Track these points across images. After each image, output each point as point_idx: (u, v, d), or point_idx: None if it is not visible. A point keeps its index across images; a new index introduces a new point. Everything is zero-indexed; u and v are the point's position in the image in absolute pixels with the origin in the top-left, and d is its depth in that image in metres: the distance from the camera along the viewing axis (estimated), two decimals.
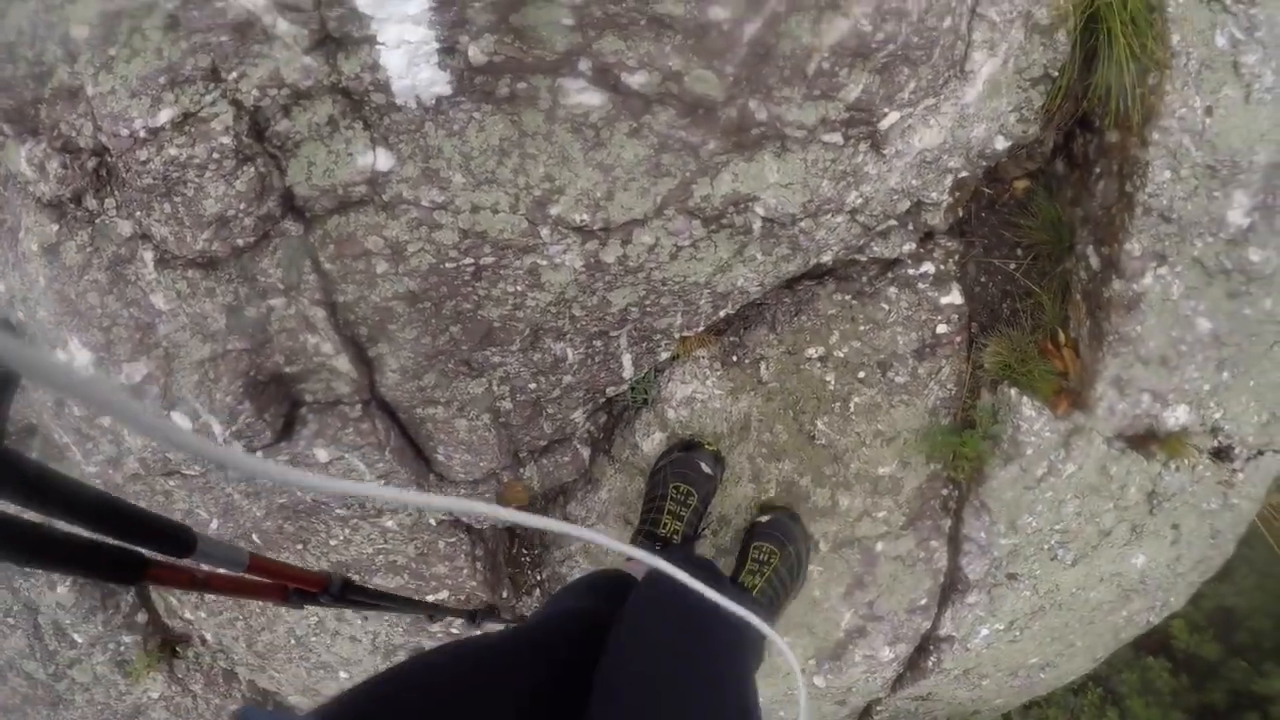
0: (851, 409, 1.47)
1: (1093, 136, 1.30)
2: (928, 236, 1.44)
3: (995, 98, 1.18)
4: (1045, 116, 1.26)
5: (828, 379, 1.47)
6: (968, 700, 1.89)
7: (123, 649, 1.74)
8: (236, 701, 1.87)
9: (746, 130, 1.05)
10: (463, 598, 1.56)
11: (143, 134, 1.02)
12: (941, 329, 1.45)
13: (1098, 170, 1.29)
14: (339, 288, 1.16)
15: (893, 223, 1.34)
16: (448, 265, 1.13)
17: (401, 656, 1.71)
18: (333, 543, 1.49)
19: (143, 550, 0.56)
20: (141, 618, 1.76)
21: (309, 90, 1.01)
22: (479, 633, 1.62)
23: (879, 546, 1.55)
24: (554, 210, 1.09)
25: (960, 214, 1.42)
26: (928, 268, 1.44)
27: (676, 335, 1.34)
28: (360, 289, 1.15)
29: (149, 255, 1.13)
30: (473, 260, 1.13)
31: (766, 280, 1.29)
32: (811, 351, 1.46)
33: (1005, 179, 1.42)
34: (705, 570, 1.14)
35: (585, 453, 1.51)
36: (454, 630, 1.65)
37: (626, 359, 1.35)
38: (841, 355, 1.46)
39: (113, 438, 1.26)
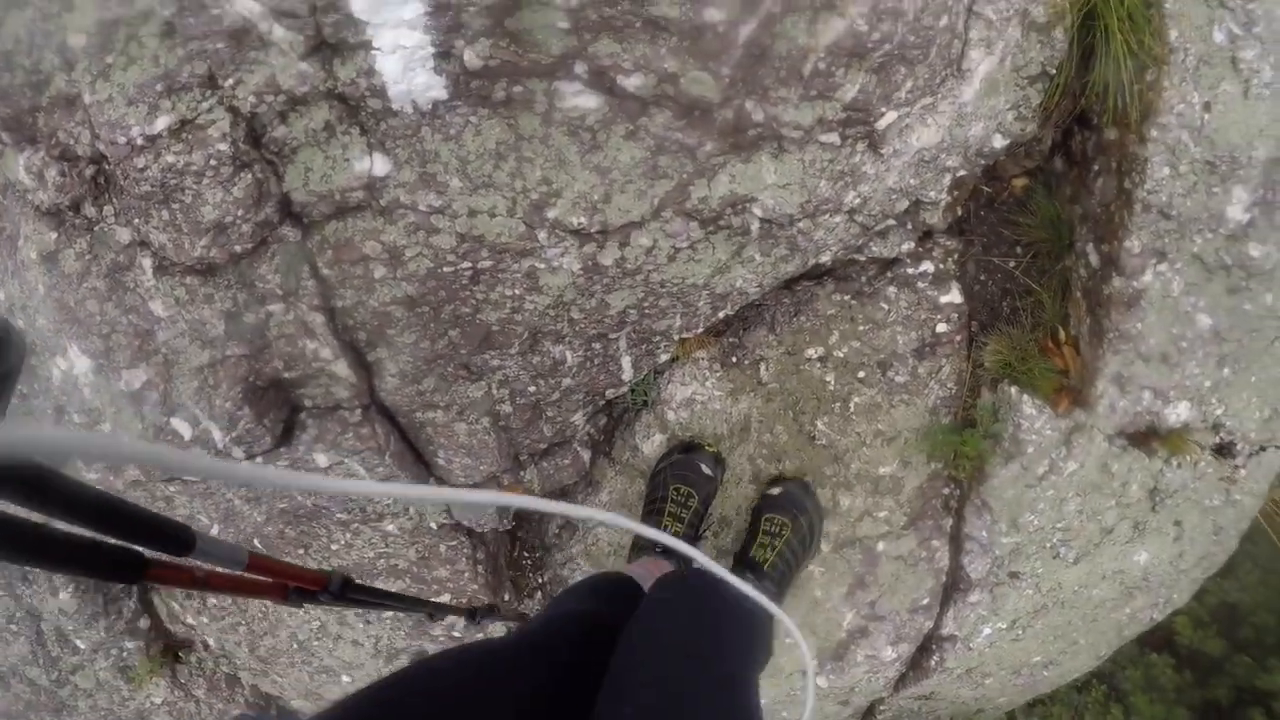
0: (852, 409, 1.47)
1: (1091, 134, 1.29)
2: (927, 235, 1.44)
3: (993, 96, 1.18)
4: (1043, 114, 1.26)
5: (827, 379, 1.46)
6: (971, 699, 1.88)
7: (125, 655, 1.74)
8: (240, 706, 1.87)
9: (743, 131, 1.05)
10: (464, 600, 1.56)
11: (140, 141, 1.02)
12: (941, 328, 1.45)
13: (1096, 167, 1.29)
14: (337, 293, 1.16)
15: (891, 222, 1.34)
16: (446, 269, 1.13)
17: (404, 660, 1.71)
18: (334, 547, 1.49)
19: (143, 549, 0.57)
20: (144, 623, 1.76)
21: (305, 96, 1.01)
22: (480, 634, 1.62)
23: (880, 546, 1.55)
24: (551, 213, 1.09)
25: (959, 213, 1.42)
26: (927, 267, 1.44)
27: (676, 337, 1.34)
28: (358, 294, 1.15)
29: (147, 262, 1.13)
30: (470, 264, 1.13)
31: (765, 281, 1.29)
32: (811, 352, 1.46)
33: (1004, 177, 1.41)
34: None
35: (585, 455, 1.51)
36: (456, 634, 1.65)
37: (626, 361, 1.35)
38: (841, 355, 1.46)
39: None
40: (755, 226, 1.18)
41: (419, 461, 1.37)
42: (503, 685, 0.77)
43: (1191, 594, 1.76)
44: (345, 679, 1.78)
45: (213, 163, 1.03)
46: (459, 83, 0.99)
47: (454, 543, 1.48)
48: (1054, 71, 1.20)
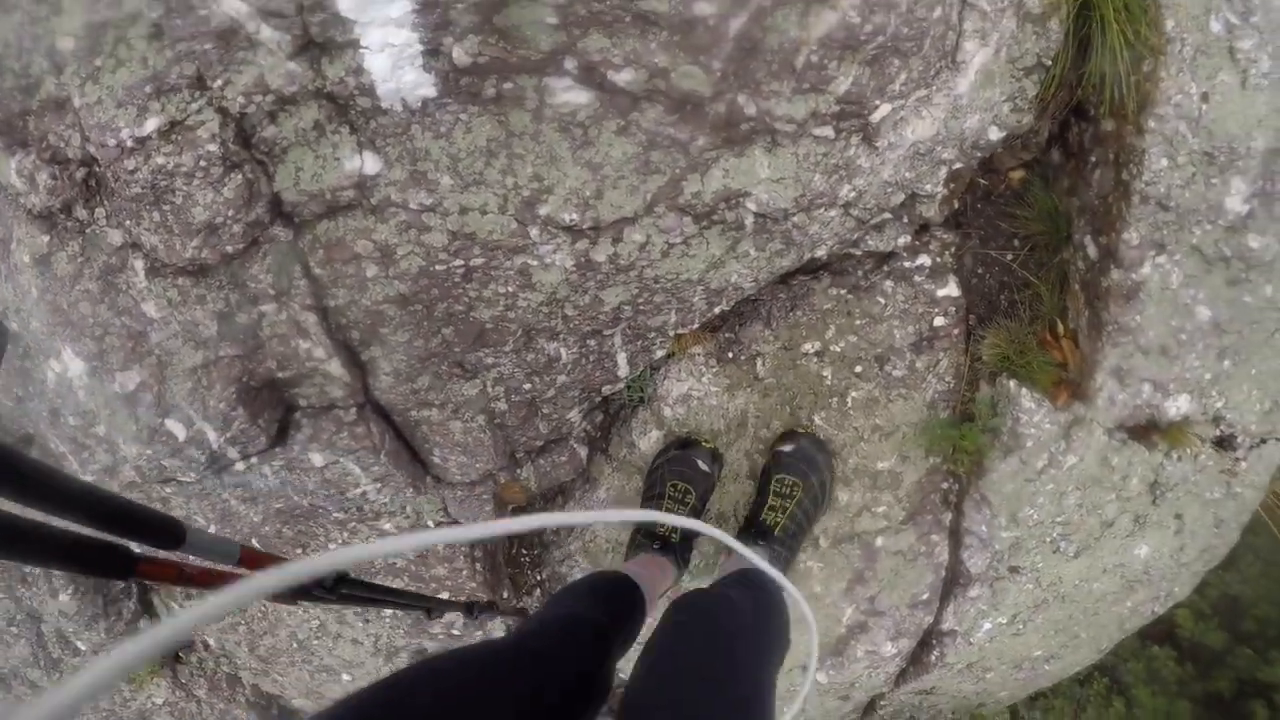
0: (849, 404, 1.46)
1: (1088, 125, 1.28)
2: (923, 229, 1.43)
3: (988, 88, 1.17)
4: (1039, 106, 1.24)
5: (824, 374, 1.46)
6: (972, 694, 1.88)
7: None
8: (241, 706, 1.88)
9: (736, 125, 1.04)
10: (463, 598, 1.56)
11: (130, 143, 1.01)
12: (939, 322, 1.44)
13: (1094, 159, 1.28)
14: (330, 292, 1.15)
15: (887, 216, 1.33)
16: (438, 267, 1.13)
17: (403, 658, 1.71)
18: (331, 546, 1.49)
19: (132, 545, 0.57)
20: (144, 624, 1.76)
21: (294, 96, 1.01)
22: (479, 630, 1.62)
23: (879, 541, 1.55)
24: (543, 210, 1.08)
25: (955, 206, 1.41)
26: (924, 260, 1.43)
27: (671, 333, 1.33)
28: (351, 293, 1.15)
29: (139, 264, 1.13)
30: (463, 262, 1.13)
31: (760, 276, 1.28)
32: (808, 347, 1.45)
33: (1000, 170, 1.40)
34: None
35: (582, 452, 1.50)
36: (455, 631, 1.65)
37: (621, 358, 1.34)
38: (838, 350, 1.45)
39: (108, 447, 1.26)
40: (749, 221, 1.17)
41: (415, 460, 1.37)
42: (504, 686, 0.77)
43: (1193, 587, 1.76)
44: (345, 677, 1.78)
45: (203, 163, 1.02)
46: (448, 80, 0.99)
47: None
48: (1050, 63, 1.19)
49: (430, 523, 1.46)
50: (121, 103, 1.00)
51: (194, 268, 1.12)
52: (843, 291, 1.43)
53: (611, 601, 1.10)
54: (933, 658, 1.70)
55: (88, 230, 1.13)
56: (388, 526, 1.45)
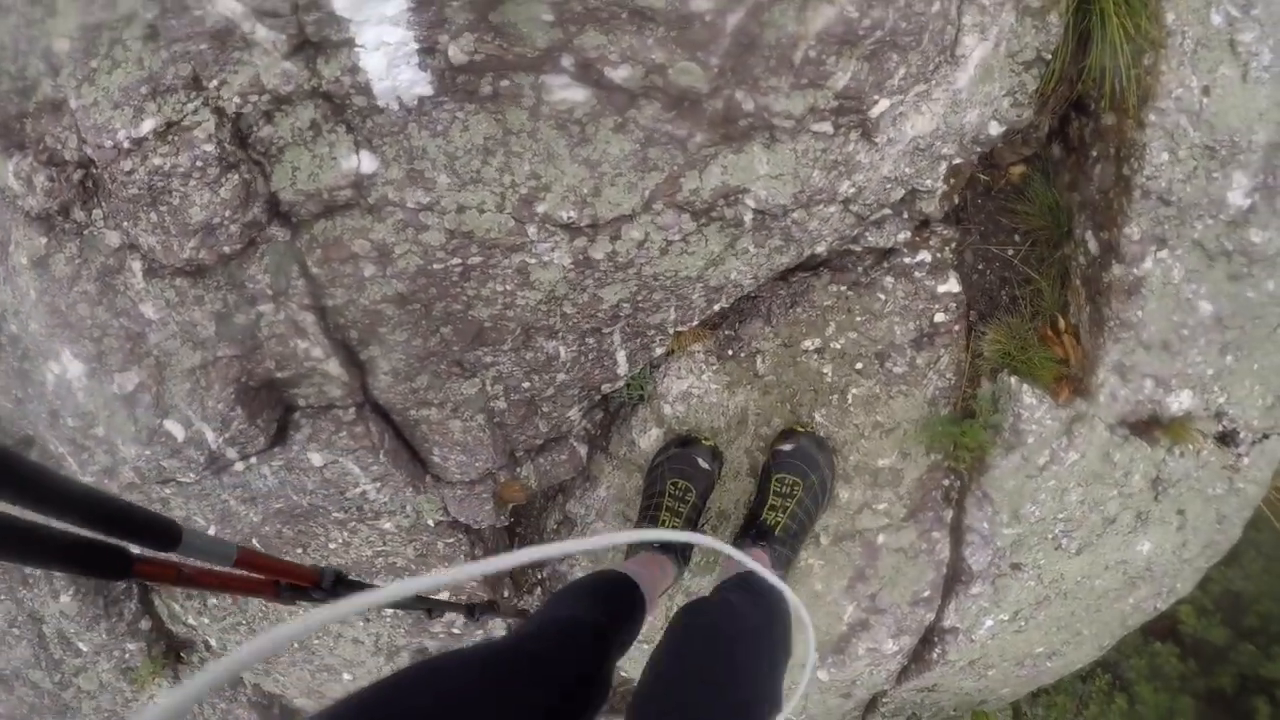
0: (849, 401, 1.46)
1: (1088, 120, 1.28)
2: (923, 225, 1.42)
3: (987, 82, 1.16)
4: (1039, 100, 1.24)
5: (825, 371, 1.45)
6: (974, 691, 1.88)
7: (128, 656, 1.75)
8: (243, 706, 1.88)
9: (734, 121, 1.04)
10: (463, 598, 1.56)
11: (126, 145, 1.01)
12: (939, 318, 1.43)
13: (1094, 154, 1.27)
14: (327, 292, 1.15)
15: (887, 212, 1.33)
16: (435, 266, 1.13)
17: (404, 657, 1.71)
18: (332, 546, 1.49)
19: (128, 545, 0.57)
20: (145, 625, 1.76)
21: (290, 95, 1.01)
22: (480, 630, 1.62)
23: (880, 539, 1.54)
24: (541, 208, 1.08)
25: (956, 201, 1.40)
26: (924, 256, 1.43)
27: (670, 330, 1.33)
28: (349, 292, 1.15)
29: (137, 265, 1.13)
30: (460, 260, 1.13)
31: (760, 273, 1.27)
32: (808, 343, 1.45)
33: (1001, 165, 1.40)
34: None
35: (582, 450, 1.50)
36: (455, 630, 1.65)
37: (620, 355, 1.34)
38: (838, 347, 1.44)
39: (107, 448, 1.26)
40: (748, 218, 1.17)
41: (414, 459, 1.37)
42: (503, 688, 0.78)
43: (1195, 583, 1.75)
44: (346, 677, 1.78)
45: (199, 164, 1.02)
46: (444, 78, 0.98)
47: (452, 540, 1.48)
48: (1050, 57, 1.18)
49: (430, 521, 1.45)
50: (118, 104, 1.00)
51: (191, 268, 1.12)
52: (843, 288, 1.43)
53: (611, 602, 1.10)
54: (934, 655, 1.70)
55: (85, 232, 1.13)
56: (388, 525, 1.45)
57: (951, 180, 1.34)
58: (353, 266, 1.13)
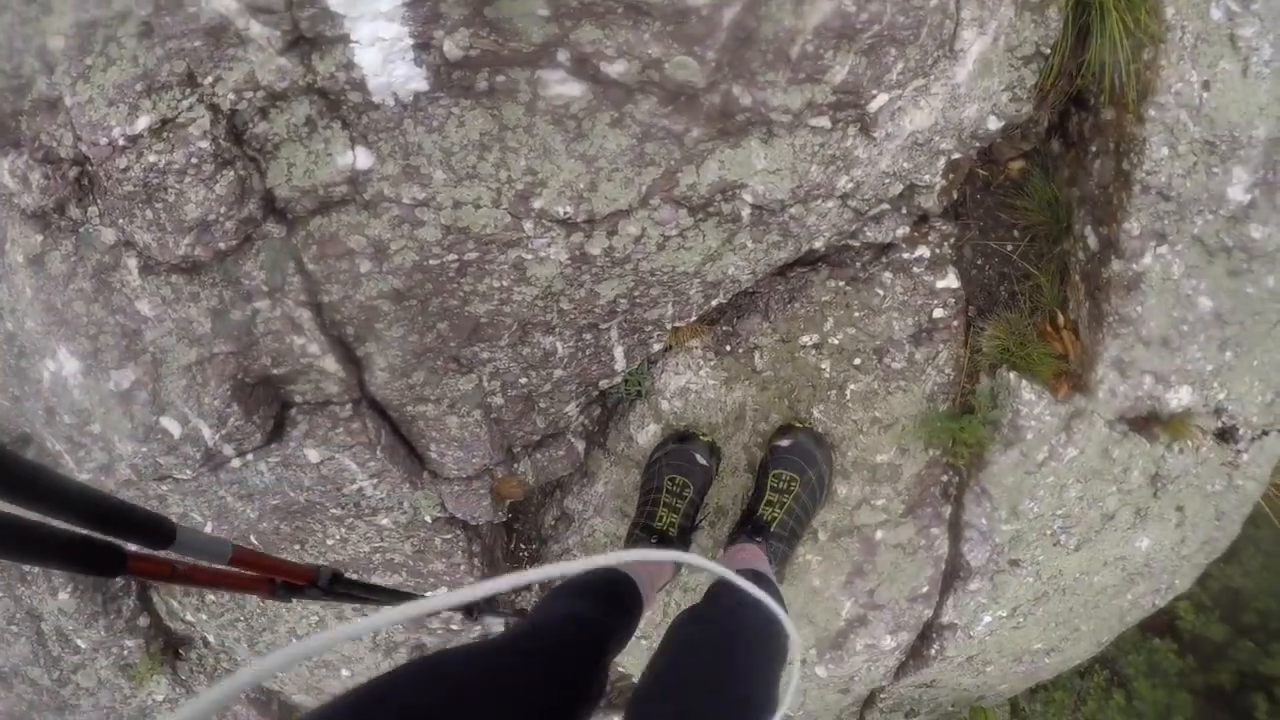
0: (848, 396, 1.46)
1: (1088, 114, 1.27)
2: (922, 220, 1.42)
3: (986, 77, 1.16)
4: (1039, 95, 1.23)
5: (823, 366, 1.45)
6: (972, 687, 1.88)
7: (126, 653, 1.75)
8: (241, 702, 1.88)
9: (731, 116, 1.03)
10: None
11: (121, 142, 1.01)
12: (938, 313, 1.43)
13: (1094, 149, 1.27)
14: (323, 288, 1.15)
15: (885, 207, 1.32)
16: (431, 262, 1.12)
17: (402, 653, 1.71)
18: (330, 542, 1.49)
19: (122, 543, 0.57)
20: (143, 621, 1.76)
21: (285, 92, 1.00)
22: (478, 627, 1.62)
23: (879, 534, 1.54)
24: (537, 203, 1.08)
25: (955, 196, 1.40)
26: (923, 251, 1.42)
27: (668, 326, 1.32)
28: (345, 289, 1.14)
29: (133, 262, 1.13)
30: (456, 256, 1.12)
31: (758, 268, 1.27)
32: (806, 339, 1.44)
33: (1000, 160, 1.39)
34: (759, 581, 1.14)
35: (580, 446, 1.50)
36: (454, 626, 1.65)
37: (618, 351, 1.34)
38: (836, 342, 1.44)
39: (104, 445, 1.26)
40: (746, 213, 1.16)
41: (411, 455, 1.37)
42: (499, 686, 0.78)
43: (1194, 579, 1.75)
44: (344, 673, 1.78)
45: (194, 161, 1.02)
46: (440, 74, 0.98)
47: (449, 536, 1.48)
48: (1049, 51, 1.17)
49: (428, 518, 1.45)
50: (113, 101, 0.99)
51: (187, 265, 1.12)
52: (841, 283, 1.42)
53: (608, 599, 1.10)
54: (932, 651, 1.70)
55: (81, 229, 1.13)
56: (385, 522, 1.45)
57: (950, 175, 1.33)
58: (348, 263, 1.12)
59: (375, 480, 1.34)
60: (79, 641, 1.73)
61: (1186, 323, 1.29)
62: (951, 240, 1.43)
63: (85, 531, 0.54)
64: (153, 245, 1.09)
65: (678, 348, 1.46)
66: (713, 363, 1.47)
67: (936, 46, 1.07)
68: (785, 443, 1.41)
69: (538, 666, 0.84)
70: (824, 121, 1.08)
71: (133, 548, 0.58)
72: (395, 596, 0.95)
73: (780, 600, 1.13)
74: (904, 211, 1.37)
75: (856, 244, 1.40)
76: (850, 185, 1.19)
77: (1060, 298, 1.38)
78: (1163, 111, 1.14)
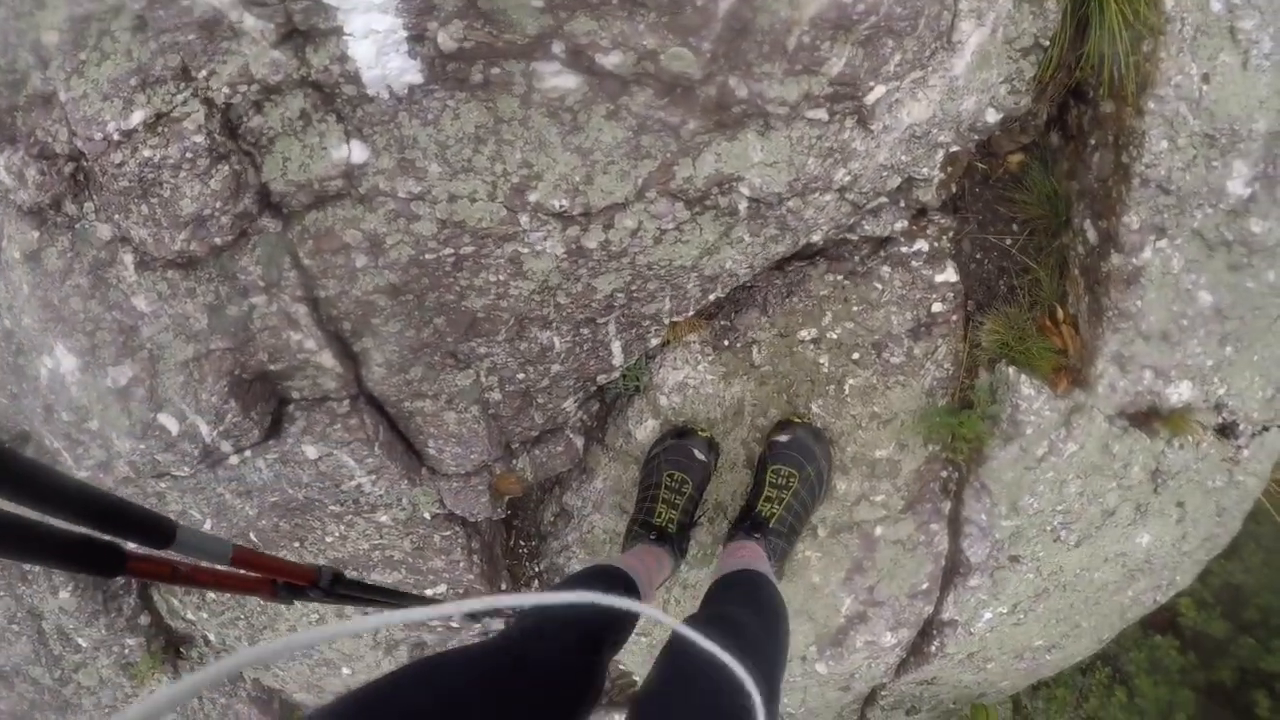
0: (846, 391, 1.45)
1: (1087, 107, 1.27)
2: (920, 213, 1.41)
3: (985, 69, 1.15)
4: (1037, 88, 1.23)
5: (821, 361, 1.45)
6: (973, 684, 1.87)
7: (127, 651, 1.75)
8: (243, 701, 1.88)
9: (727, 108, 1.03)
10: (461, 591, 1.56)
11: (116, 136, 1.01)
12: (937, 308, 1.42)
13: (1093, 142, 1.26)
14: (319, 283, 1.14)
15: (883, 200, 1.32)
16: (428, 256, 1.12)
17: (403, 651, 1.71)
18: (329, 539, 1.48)
19: (121, 542, 0.56)
20: (144, 620, 1.77)
21: (279, 85, 1.00)
22: (479, 626, 1.62)
23: (878, 531, 1.54)
24: (533, 197, 1.07)
25: (953, 190, 1.39)
26: (921, 245, 1.42)
27: (666, 320, 1.32)
28: (341, 283, 1.14)
29: (129, 258, 1.13)
30: (453, 250, 1.12)
31: (755, 262, 1.27)
32: (804, 333, 1.44)
33: (998, 153, 1.39)
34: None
35: (578, 442, 1.50)
36: (454, 624, 1.65)
37: (615, 346, 1.33)
38: (835, 337, 1.44)
39: (102, 442, 1.25)
40: (743, 206, 1.16)
41: (409, 451, 1.36)
42: (501, 685, 0.79)
43: (1195, 576, 1.74)
44: (345, 671, 1.78)
45: (189, 155, 1.02)
46: (434, 66, 0.98)
47: (448, 533, 1.48)
48: (1047, 43, 1.17)
49: (426, 514, 1.45)
50: (107, 96, 0.99)
51: (183, 260, 1.11)
52: (839, 277, 1.42)
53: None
54: (933, 648, 1.69)
55: (77, 225, 1.12)
56: (384, 519, 1.45)
57: (949, 168, 1.33)
58: (345, 257, 1.12)
59: (373, 477, 1.34)
60: (80, 640, 1.73)
61: (1186, 317, 1.29)
62: (950, 234, 1.42)
63: (85, 531, 0.54)
64: (148, 241, 1.09)
65: (675, 343, 1.45)
66: (711, 358, 1.46)
67: (934, 38, 1.07)
68: (784, 438, 1.40)
69: (537, 667, 0.84)
70: (821, 114, 1.07)
71: (132, 547, 0.58)
72: (396, 597, 0.95)
73: (777, 602, 1.13)
74: (902, 205, 1.36)
75: (854, 238, 1.40)
76: (848, 178, 1.18)
77: (1059, 292, 1.38)
78: (1162, 104, 1.13)
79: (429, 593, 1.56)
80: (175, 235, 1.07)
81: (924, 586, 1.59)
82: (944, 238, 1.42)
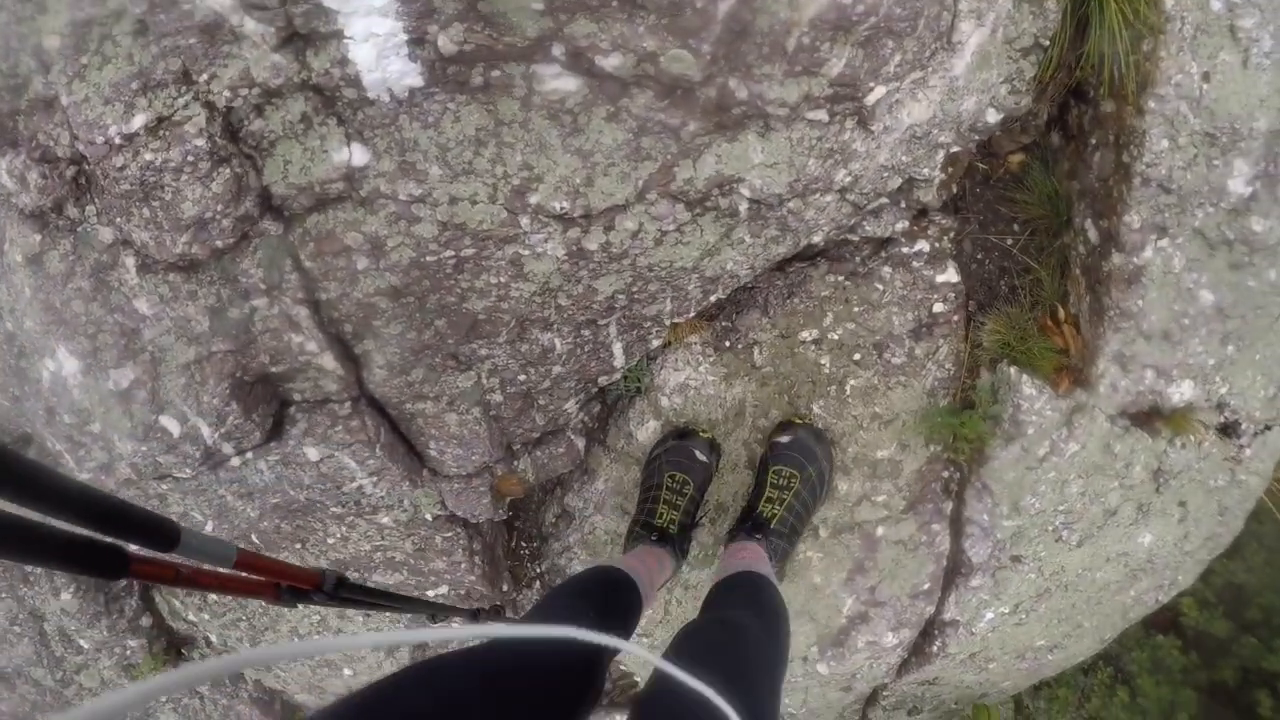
0: (848, 392, 1.45)
1: (1087, 107, 1.26)
2: (921, 214, 1.41)
3: (985, 69, 1.15)
4: (1038, 87, 1.23)
5: (822, 362, 1.45)
6: (975, 684, 1.87)
7: (129, 653, 1.76)
8: (244, 702, 1.89)
9: (727, 110, 1.03)
10: (463, 592, 1.56)
11: (118, 140, 1.01)
12: (938, 308, 1.42)
13: (1094, 141, 1.26)
14: (321, 285, 1.15)
15: (884, 201, 1.32)
16: (428, 259, 1.12)
17: (403, 652, 1.71)
18: (330, 540, 1.49)
19: (124, 545, 0.56)
20: (146, 621, 1.77)
21: (280, 88, 1.00)
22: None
23: (880, 531, 1.54)
24: (533, 199, 1.07)
25: (954, 190, 1.39)
26: (922, 246, 1.42)
27: (667, 322, 1.32)
28: (342, 286, 1.14)
29: (130, 261, 1.13)
30: (453, 253, 1.12)
31: (756, 263, 1.27)
32: (805, 334, 1.44)
33: (999, 153, 1.39)
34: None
35: (580, 443, 1.50)
36: (454, 624, 1.65)
37: (617, 347, 1.33)
38: (836, 337, 1.44)
39: (104, 444, 1.26)
40: (744, 207, 1.16)
41: (410, 453, 1.36)
42: (502, 687, 0.79)
43: (1197, 575, 1.74)
44: (347, 672, 1.79)
45: (190, 158, 1.02)
46: (435, 69, 0.98)
47: (450, 534, 1.48)
48: (1047, 43, 1.17)
49: (428, 516, 1.45)
50: (109, 100, 0.99)
51: (185, 263, 1.12)
52: (840, 278, 1.42)
53: (606, 599, 1.10)
54: (935, 648, 1.69)
55: (79, 228, 1.13)
56: (385, 520, 1.45)
57: (949, 169, 1.33)
58: (346, 260, 1.12)
59: (375, 478, 1.34)
60: (82, 642, 1.73)
61: (1188, 316, 1.28)
62: (951, 234, 1.42)
63: (88, 533, 0.54)
64: (150, 244, 1.09)
65: (677, 344, 1.45)
66: (712, 359, 1.46)
67: (934, 38, 1.07)
68: (785, 439, 1.40)
69: (537, 668, 0.84)
70: (821, 115, 1.07)
71: (135, 549, 0.58)
72: (399, 601, 0.95)
73: (777, 604, 1.13)
74: (903, 205, 1.36)
75: (855, 238, 1.40)
76: (848, 179, 1.18)
77: (1061, 292, 1.38)
78: (1162, 103, 1.13)
79: (430, 594, 1.56)
80: (177, 238, 1.08)
81: (925, 587, 1.59)
82: (945, 238, 1.42)
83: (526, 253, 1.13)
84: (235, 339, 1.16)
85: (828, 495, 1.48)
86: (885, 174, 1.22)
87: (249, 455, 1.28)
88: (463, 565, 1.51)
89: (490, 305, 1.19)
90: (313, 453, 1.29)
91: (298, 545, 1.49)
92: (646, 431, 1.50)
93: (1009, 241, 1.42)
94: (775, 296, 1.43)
